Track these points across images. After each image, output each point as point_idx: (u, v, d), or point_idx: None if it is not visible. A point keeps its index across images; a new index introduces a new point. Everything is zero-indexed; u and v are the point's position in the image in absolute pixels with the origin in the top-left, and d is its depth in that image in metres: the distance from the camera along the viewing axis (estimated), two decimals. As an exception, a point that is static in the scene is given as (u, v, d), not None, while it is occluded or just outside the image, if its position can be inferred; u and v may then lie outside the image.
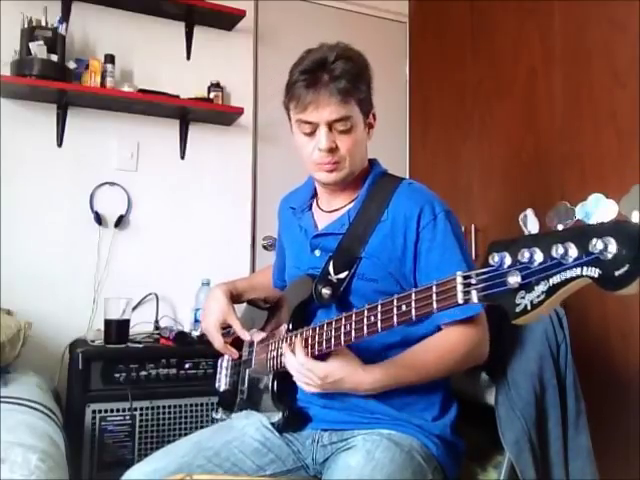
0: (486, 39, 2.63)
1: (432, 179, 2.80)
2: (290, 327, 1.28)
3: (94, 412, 1.99)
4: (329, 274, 1.26)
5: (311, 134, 1.26)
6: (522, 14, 2.42)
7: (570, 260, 0.70)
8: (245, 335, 1.42)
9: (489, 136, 2.59)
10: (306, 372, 1.13)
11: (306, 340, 1.17)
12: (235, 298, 1.51)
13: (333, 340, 1.10)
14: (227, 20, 2.67)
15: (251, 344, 1.44)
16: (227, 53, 2.75)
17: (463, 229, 2.43)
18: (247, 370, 1.44)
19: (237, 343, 1.48)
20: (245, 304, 1.59)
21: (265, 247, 2.79)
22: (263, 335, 1.39)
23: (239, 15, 2.63)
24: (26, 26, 2.27)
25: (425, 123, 3.06)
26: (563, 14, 2.24)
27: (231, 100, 2.73)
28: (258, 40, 2.85)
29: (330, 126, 1.24)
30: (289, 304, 1.35)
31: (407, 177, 1.42)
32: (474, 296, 0.83)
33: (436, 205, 1.26)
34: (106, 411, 2.01)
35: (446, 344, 1.20)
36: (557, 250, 0.71)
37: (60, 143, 2.44)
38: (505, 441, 1.24)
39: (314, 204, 1.42)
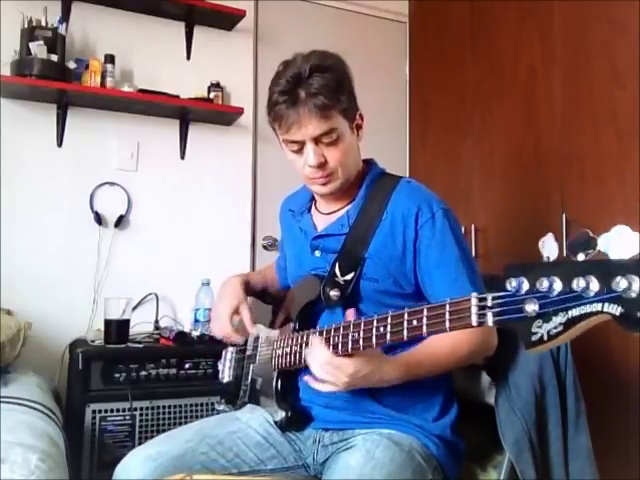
0: (486, 39, 2.63)
1: (432, 179, 2.80)
2: (296, 327, 1.29)
3: (94, 412, 1.99)
4: (336, 276, 1.26)
5: (299, 151, 1.27)
6: (522, 14, 2.42)
7: (591, 294, 0.69)
8: (252, 329, 1.41)
9: (489, 136, 2.59)
10: (332, 370, 1.08)
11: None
12: (250, 290, 1.51)
13: (340, 347, 1.10)
14: (227, 20, 2.67)
15: (256, 339, 1.44)
16: (227, 53, 2.75)
17: (463, 229, 2.43)
18: (251, 365, 1.44)
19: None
20: (251, 299, 1.59)
21: (265, 247, 2.79)
22: (272, 333, 1.39)
23: (239, 15, 2.63)
24: (26, 26, 2.27)
25: (425, 123, 3.06)
26: (563, 14, 2.24)
27: (231, 100, 2.73)
28: (258, 40, 2.85)
29: (316, 141, 1.24)
30: (295, 304, 1.36)
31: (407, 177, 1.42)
32: (489, 319, 0.82)
33: (434, 203, 1.27)
34: (106, 411, 2.01)
35: (460, 334, 1.17)
36: (578, 283, 0.70)
37: (60, 143, 2.44)
38: (505, 441, 1.24)
39: (313, 207, 1.43)
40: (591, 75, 2.11)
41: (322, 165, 1.25)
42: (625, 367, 1.92)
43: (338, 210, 1.36)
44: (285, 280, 1.58)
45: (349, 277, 1.26)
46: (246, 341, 1.48)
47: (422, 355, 1.17)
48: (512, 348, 1.31)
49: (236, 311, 1.42)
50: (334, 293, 1.25)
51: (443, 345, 1.17)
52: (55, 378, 2.20)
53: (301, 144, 1.25)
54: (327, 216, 1.37)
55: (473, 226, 2.58)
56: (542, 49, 2.33)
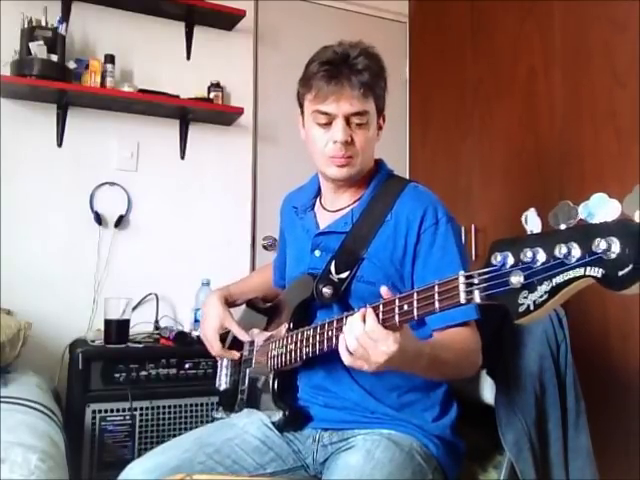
0: (486, 39, 2.63)
1: (432, 179, 2.80)
2: (290, 326, 1.28)
3: (94, 412, 1.99)
4: (330, 273, 1.26)
5: (326, 125, 1.25)
6: (522, 14, 2.42)
7: (573, 260, 0.70)
8: (244, 336, 1.43)
9: (489, 136, 2.59)
10: (370, 343, 0.97)
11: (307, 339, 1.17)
12: (230, 302, 1.52)
13: (334, 339, 1.09)
14: (227, 20, 2.67)
15: (251, 343, 1.44)
16: (227, 53, 2.75)
17: (463, 229, 2.43)
18: (247, 369, 1.44)
19: (237, 344, 1.48)
20: (244, 307, 1.60)
21: (265, 247, 2.79)
22: (266, 335, 1.39)
23: (239, 15, 2.63)
24: (26, 26, 2.27)
25: (425, 123, 3.06)
26: (563, 14, 2.24)
27: (231, 100, 2.73)
28: (258, 40, 2.85)
29: (347, 119, 1.24)
30: (289, 304, 1.35)
31: (407, 177, 1.42)
32: (477, 296, 0.82)
33: (439, 210, 1.26)
34: (106, 411, 2.01)
35: (464, 347, 1.16)
36: (560, 250, 0.71)
37: (60, 143, 2.44)
38: (505, 441, 1.24)
39: (317, 203, 1.42)
40: (591, 75, 2.11)
41: (347, 144, 1.24)
42: (625, 367, 1.92)
43: (343, 208, 1.35)
44: (281, 280, 1.58)
45: (344, 275, 1.25)
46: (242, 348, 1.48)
47: (436, 349, 1.13)
48: (512, 348, 1.31)
49: (222, 327, 1.44)
50: (327, 290, 1.24)
51: (450, 352, 1.14)
52: (55, 378, 2.20)
53: (331, 118, 1.24)
54: (332, 214, 1.36)
55: (473, 226, 2.58)
56: (542, 49, 2.33)
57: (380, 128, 1.34)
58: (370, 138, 1.28)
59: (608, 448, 1.73)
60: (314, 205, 1.42)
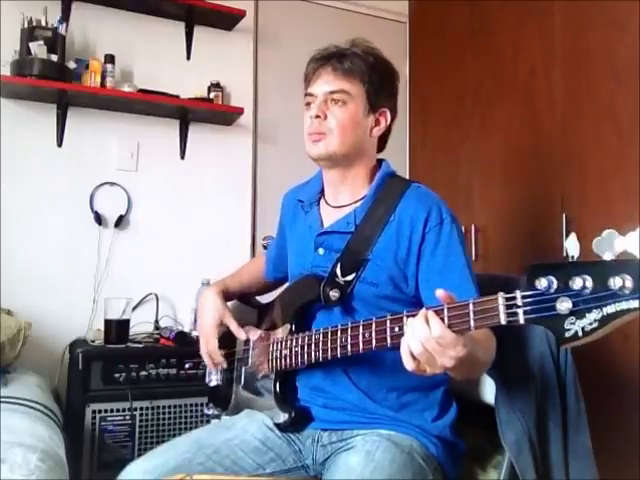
0: (486, 39, 2.63)
1: (432, 179, 2.80)
2: (293, 328, 1.28)
3: (94, 412, 1.99)
4: (336, 276, 1.25)
5: (309, 105, 1.33)
6: (522, 14, 2.42)
7: (627, 292, 0.73)
8: (241, 334, 1.42)
9: (489, 136, 2.59)
10: (438, 348, 0.93)
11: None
12: (227, 296, 1.51)
13: (349, 347, 1.09)
14: (227, 20, 2.67)
15: (246, 342, 1.43)
16: (227, 53, 2.75)
17: (463, 229, 2.43)
18: (243, 368, 1.43)
19: (227, 340, 1.47)
20: (235, 303, 1.59)
21: (265, 247, 2.77)
22: (259, 333, 1.39)
23: (239, 15, 2.63)
24: (26, 26, 2.27)
25: (425, 123, 3.06)
26: (563, 14, 2.23)
27: (231, 100, 2.73)
28: (258, 40, 2.84)
29: (326, 99, 1.30)
30: (290, 304, 1.35)
31: (407, 177, 1.42)
32: (521, 317, 0.84)
33: (443, 210, 1.26)
34: (106, 411, 2.01)
35: (487, 341, 1.14)
36: (614, 281, 0.74)
37: (60, 143, 2.44)
38: (505, 441, 1.24)
39: (322, 199, 1.41)
40: (591, 75, 2.11)
41: (319, 118, 1.29)
42: (625, 367, 1.92)
43: (346, 206, 1.34)
44: (274, 271, 1.58)
45: (350, 278, 1.25)
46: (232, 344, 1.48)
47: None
48: (512, 348, 1.31)
49: (221, 323, 1.43)
50: (334, 293, 1.24)
51: (480, 349, 1.09)
52: (55, 378, 2.20)
53: (314, 99, 1.31)
54: (335, 210, 1.36)
55: (473, 226, 2.58)
56: (542, 49, 2.32)
57: (377, 124, 1.34)
58: (350, 119, 1.29)
59: (608, 448, 1.72)
60: (319, 200, 1.41)
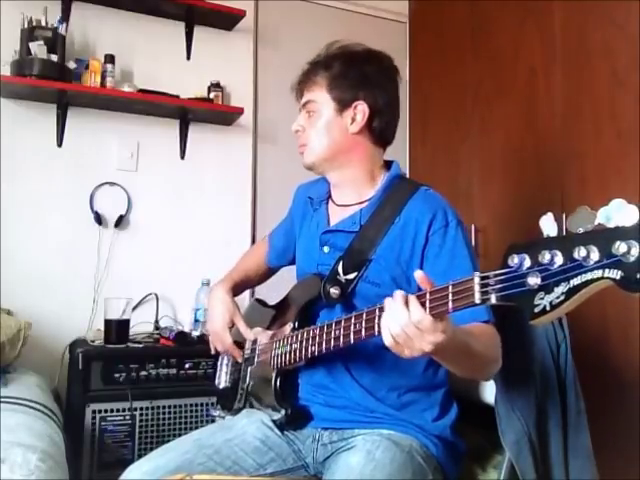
0: (486, 39, 2.63)
1: (432, 179, 2.80)
2: (295, 326, 1.29)
3: (94, 412, 1.99)
4: (338, 274, 1.26)
5: None
6: (522, 14, 2.42)
7: (591, 262, 0.70)
8: (249, 334, 1.42)
9: (489, 136, 2.59)
10: (417, 332, 0.92)
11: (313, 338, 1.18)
12: (236, 291, 1.52)
13: (342, 339, 1.09)
14: (227, 20, 2.67)
15: (254, 342, 1.44)
16: (227, 53, 2.75)
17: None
18: (249, 368, 1.44)
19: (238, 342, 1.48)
20: (248, 303, 1.59)
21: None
22: (269, 334, 1.39)
23: (239, 15, 2.63)
24: (26, 26, 2.27)
25: (425, 123, 3.06)
26: (563, 14, 2.23)
27: (231, 100, 2.73)
28: (258, 40, 2.84)
29: (306, 112, 1.36)
30: (296, 303, 1.36)
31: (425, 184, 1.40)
32: (492, 297, 0.82)
33: (449, 213, 1.26)
34: (106, 411, 2.01)
35: (491, 344, 1.13)
36: (579, 252, 0.71)
37: (60, 143, 2.44)
38: (505, 441, 1.24)
39: (330, 198, 1.43)
40: (591, 75, 2.11)
41: (298, 132, 1.37)
42: (625, 367, 1.92)
43: (352, 205, 1.35)
44: (275, 260, 1.60)
45: (351, 276, 1.26)
46: (243, 345, 1.48)
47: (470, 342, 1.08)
48: (512, 348, 1.31)
49: (230, 322, 1.44)
50: (334, 291, 1.25)
51: (480, 344, 1.09)
52: (55, 378, 2.20)
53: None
54: (342, 209, 1.36)
55: (473, 226, 2.58)
56: (542, 49, 2.33)
57: (353, 120, 1.32)
58: (320, 127, 1.33)
59: (608, 448, 1.72)
60: (327, 199, 1.43)
